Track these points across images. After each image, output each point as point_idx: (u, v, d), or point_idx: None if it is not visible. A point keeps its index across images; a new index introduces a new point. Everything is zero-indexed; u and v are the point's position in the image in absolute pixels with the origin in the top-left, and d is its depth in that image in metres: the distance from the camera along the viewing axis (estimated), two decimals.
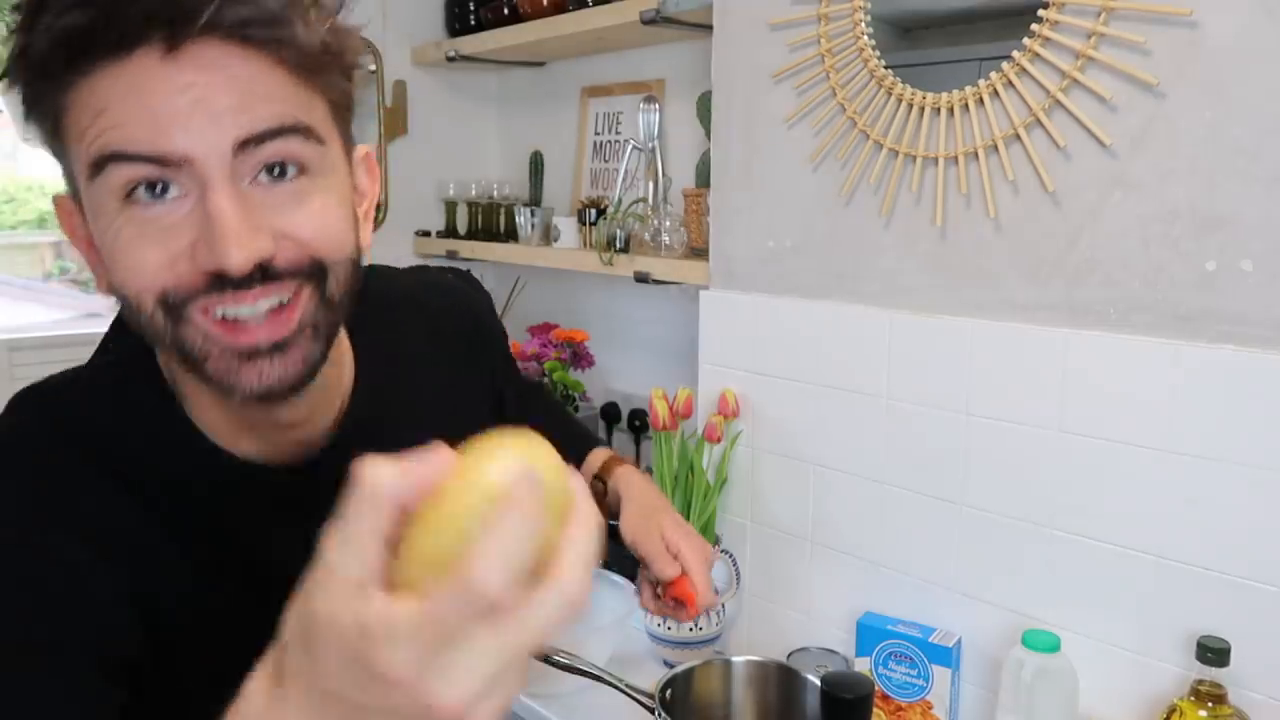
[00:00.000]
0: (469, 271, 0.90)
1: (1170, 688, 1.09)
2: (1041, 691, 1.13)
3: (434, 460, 0.39)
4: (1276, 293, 1.01)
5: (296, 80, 0.57)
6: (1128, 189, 1.10)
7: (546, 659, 1.26)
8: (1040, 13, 1.12)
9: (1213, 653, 1.00)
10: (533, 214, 2.11)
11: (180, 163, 0.54)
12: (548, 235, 2.06)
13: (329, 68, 0.59)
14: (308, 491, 0.68)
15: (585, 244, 1.96)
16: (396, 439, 0.77)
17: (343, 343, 0.75)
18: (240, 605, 0.64)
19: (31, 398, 0.66)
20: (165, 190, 0.55)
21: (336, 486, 0.71)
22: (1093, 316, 1.14)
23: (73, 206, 0.61)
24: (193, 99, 0.53)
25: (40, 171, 2.15)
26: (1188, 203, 1.06)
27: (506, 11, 2.06)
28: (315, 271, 0.60)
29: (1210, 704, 1.01)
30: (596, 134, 2.19)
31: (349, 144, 0.65)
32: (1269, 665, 1.03)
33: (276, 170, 0.57)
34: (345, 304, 0.63)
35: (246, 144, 0.55)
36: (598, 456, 1.17)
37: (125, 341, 0.67)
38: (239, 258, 0.54)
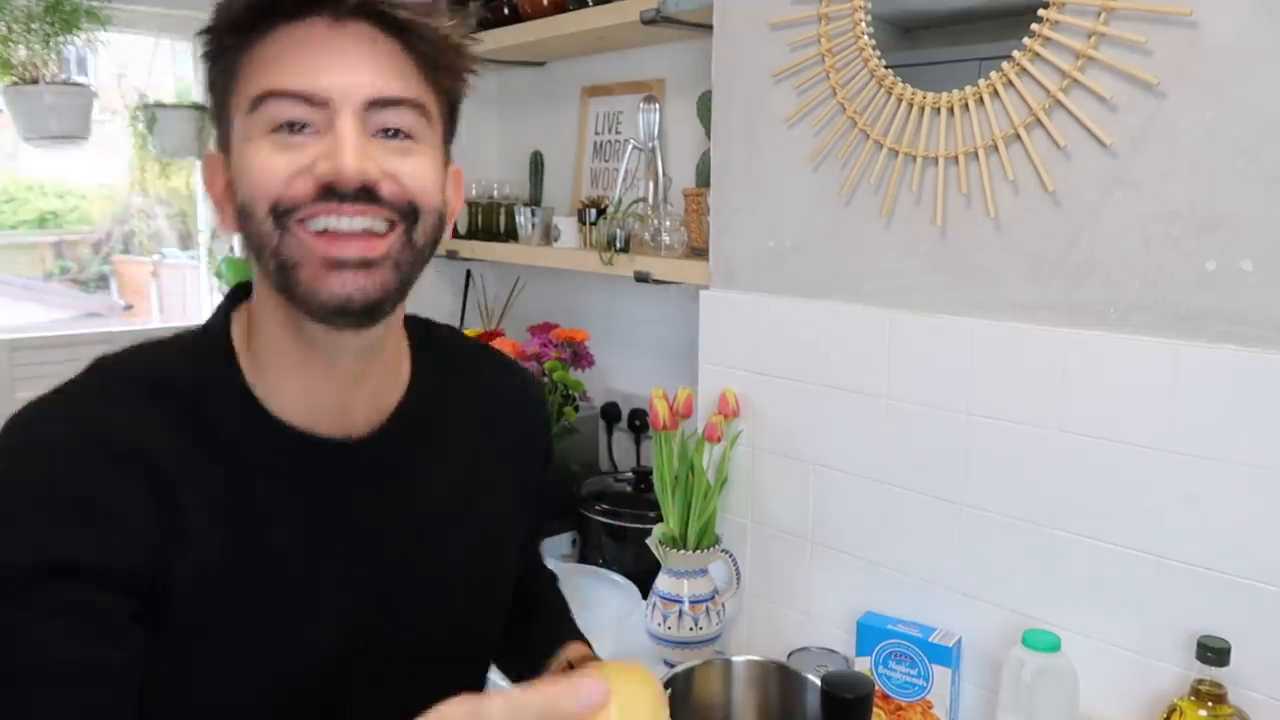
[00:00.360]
0: (539, 379, 0.92)
1: (1170, 687, 1.09)
2: (1042, 691, 1.13)
3: (598, 694, 0.49)
4: (1277, 292, 1.01)
5: (421, 70, 0.70)
6: (1128, 189, 1.10)
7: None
8: (1040, 12, 1.13)
9: (1213, 652, 1.00)
10: (533, 214, 2.11)
11: (322, 102, 0.66)
12: (548, 235, 2.06)
13: (447, 66, 0.72)
14: (336, 464, 0.76)
15: (585, 244, 1.96)
16: (425, 460, 0.82)
17: (405, 354, 0.82)
18: (244, 554, 0.71)
19: (105, 354, 0.74)
20: (301, 129, 0.67)
21: (360, 473, 0.76)
22: (1093, 316, 1.14)
23: (219, 160, 0.72)
24: (341, 59, 0.66)
25: (40, 171, 2.15)
26: (1188, 202, 1.06)
27: (506, 11, 2.06)
28: (410, 212, 0.69)
29: (1210, 704, 1.01)
30: (596, 134, 2.19)
31: (449, 141, 0.77)
32: (1269, 665, 1.03)
33: (393, 134, 0.69)
34: (426, 254, 0.72)
35: (374, 104, 0.67)
36: (576, 651, 1.01)
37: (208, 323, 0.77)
38: (352, 168, 0.65)
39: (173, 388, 0.71)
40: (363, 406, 0.77)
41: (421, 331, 0.86)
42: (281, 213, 0.66)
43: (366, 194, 0.66)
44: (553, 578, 1.08)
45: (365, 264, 0.67)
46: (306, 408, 0.74)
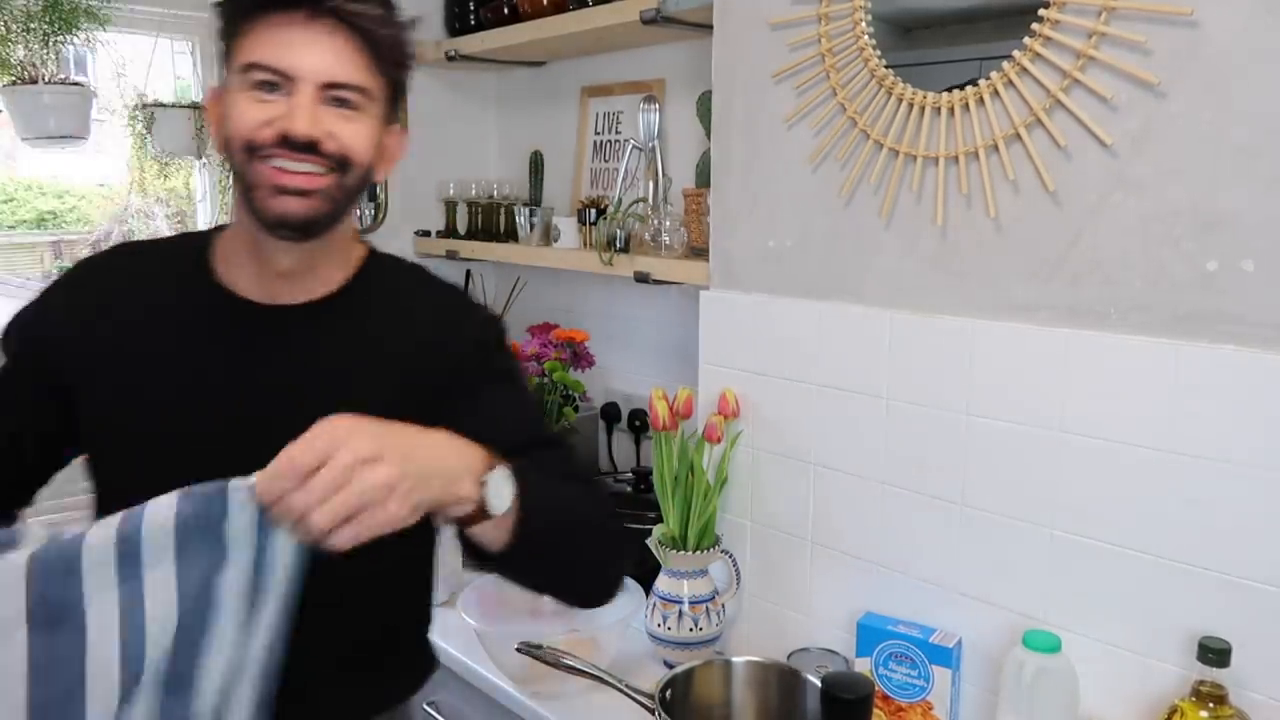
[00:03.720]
0: (491, 312, 1.10)
1: (1171, 688, 1.09)
2: (1042, 692, 1.13)
3: None
4: (1277, 292, 1.01)
5: (370, 60, 0.92)
6: (1128, 189, 1.10)
7: (548, 659, 1.26)
8: (1041, 12, 1.12)
9: (1214, 653, 1.00)
10: (532, 214, 2.11)
11: (290, 76, 0.89)
12: (548, 235, 2.06)
13: (392, 59, 0.94)
14: (242, 316, 0.98)
15: (585, 244, 1.96)
16: (314, 338, 1.01)
17: (348, 268, 1.03)
18: (161, 381, 0.96)
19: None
20: (274, 89, 0.89)
21: (287, 332, 1.00)
22: (1093, 316, 1.14)
23: (218, 94, 0.95)
24: (308, 46, 0.89)
25: (39, 171, 2.15)
26: (1188, 202, 1.06)
27: (506, 11, 2.06)
28: (342, 163, 0.92)
29: (1211, 705, 1.01)
30: (596, 134, 2.19)
31: (391, 112, 0.98)
32: (1270, 665, 1.03)
33: (340, 103, 0.91)
34: (352, 194, 0.95)
35: (328, 86, 0.90)
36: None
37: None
38: (303, 128, 0.88)
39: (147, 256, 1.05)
40: (286, 295, 0.99)
41: (386, 260, 1.07)
42: (251, 150, 0.90)
43: (310, 147, 0.89)
44: (586, 483, 1.06)
45: (303, 193, 0.90)
46: (244, 285, 0.98)
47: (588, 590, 1.00)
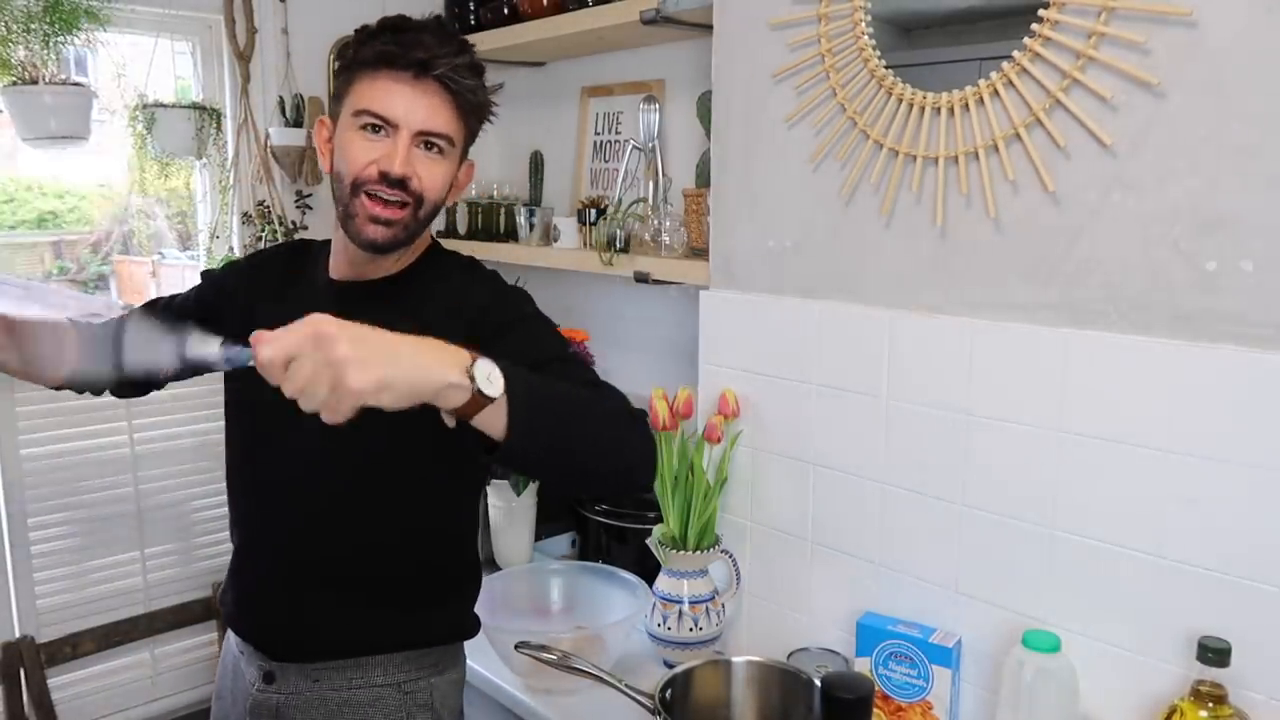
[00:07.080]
0: (508, 284, 1.26)
1: (1171, 688, 1.09)
2: (1042, 692, 1.13)
3: None
4: (1277, 292, 1.01)
5: (458, 115, 1.14)
6: (1128, 189, 1.10)
7: (548, 659, 1.26)
8: (1040, 12, 1.13)
9: (1214, 653, 1.00)
10: (532, 214, 2.11)
11: (393, 124, 1.10)
12: (548, 235, 2.06)
13: (475, 115, 1.17)
14: (338, 294, 1.22)
15: (585, 244, 1.96)
16: (379, 318, 0.99)
17: (411, 257, 1.23)
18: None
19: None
20: (378, 131, 1.11)
21: (347, 300, 1.17)
22: (1093, 316, 1.14)
23: (329, 125, 1.18)
24: (411, 101, 1.10)
25: (39, 171, 2.15)
26: (1188, 203, 1.06)
27: (506, 11, 2.06)
28: (419, 200, 1.14)
29: (1211, 704, 1.01)
30: (596, 134, 2.19)
31: (466, 153, 1.21)
32: (1270, 665, 1.03)
33: (428, 147, 1.13)
34: (423, 223, 1.17)
35: (421, 133, 1.12)
36: None
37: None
38: (398, 169, 1.10)
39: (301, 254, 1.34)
40: (357, 276, 1.23)
41: (443, 253, 1.28)
42: (356, 185, 1.12)
43: (400, 183, 1.11)
44: (594, 385, 1.11)
45: (388, 223, 1.13)
46: (336, 272, 1.24)
47: (608, 472, 1.00)
